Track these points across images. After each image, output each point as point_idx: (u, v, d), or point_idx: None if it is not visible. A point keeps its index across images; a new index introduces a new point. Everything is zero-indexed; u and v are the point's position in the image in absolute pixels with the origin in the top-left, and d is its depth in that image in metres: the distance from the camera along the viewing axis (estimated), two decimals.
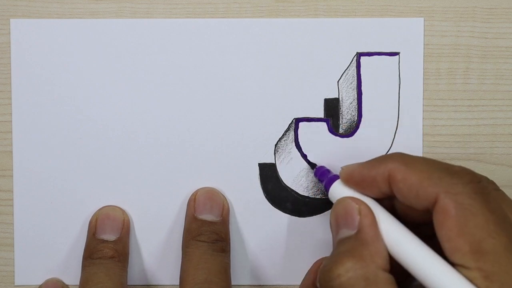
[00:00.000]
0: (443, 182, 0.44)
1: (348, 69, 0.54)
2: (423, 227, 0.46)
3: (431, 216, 0.44)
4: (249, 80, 0.54)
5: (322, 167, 0.52)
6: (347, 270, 0.44)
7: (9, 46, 0.54)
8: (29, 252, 0.55)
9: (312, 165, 0.54)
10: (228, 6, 0.54)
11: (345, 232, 0.47)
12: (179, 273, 0.52)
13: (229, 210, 0.54)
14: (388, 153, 0.54)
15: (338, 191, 0.49)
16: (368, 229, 0.46)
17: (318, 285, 0.46)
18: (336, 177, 0.50)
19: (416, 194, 0.45)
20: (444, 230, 0.43)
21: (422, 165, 0.46)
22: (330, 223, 0.48)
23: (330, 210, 0.54)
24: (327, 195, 0.50)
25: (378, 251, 0.45)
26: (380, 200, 0.48)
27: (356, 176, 0.48)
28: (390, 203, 0.48)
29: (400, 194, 0.46)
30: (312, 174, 0.54)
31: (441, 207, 0.44)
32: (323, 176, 0.52)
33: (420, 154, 0.54)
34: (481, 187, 0.44)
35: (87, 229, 0.54)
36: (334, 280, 0.44)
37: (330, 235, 0.54)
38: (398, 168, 0.46)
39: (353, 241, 0.46)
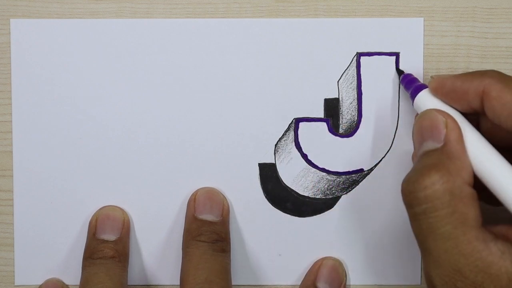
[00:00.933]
0: None
1: (348, 69, 0.54)
2: (507, 152, 0.46)
3: None
4: (249, 80, 0.54)
5: (409, 74, 0.52)
6: (434, 183, 0.44)
7: (9, 46, 0.54)
8: (29, 252, 0.55)
9: (399, 71, 0.53)
10: (228, 6, 0.54)
11: (430, 145, 0.46)
12: (179, 273, 0.52)
13: (229, 210, 0.54)
14: (388, 153, 0.54)
15: (425, 100, 0.49)
16: (454, 143, 0.46)
17: (402, 197, 0.45)
18: (423, 86, 0.49)
19: (509, 114, 0.45)
20: None
21: None
22: (413, 134, 0.48)
23: (329, 211, 0.55)
24: (411, 103, 0.50)
25: (464, 166, 0.45)
26: (465, 115, 0.47)
27: (448, 87, 0.48)
28: (475, 120, 0.48)
29: (492, 111, 0.45)
30: (312, 174, 0.54)
31: None
32: (410, 84, 0.51)
33: None
34: None
35: (87, 229, 0.54)
36: (419, 191, 0.44)
37: (330, 236, 0.54)
38: (494, 84, 0.46)
39: (439, 154, 0.46)
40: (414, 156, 0.49)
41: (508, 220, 0.45)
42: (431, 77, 0.49)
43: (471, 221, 0.44)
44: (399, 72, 0.53)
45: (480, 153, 0.46)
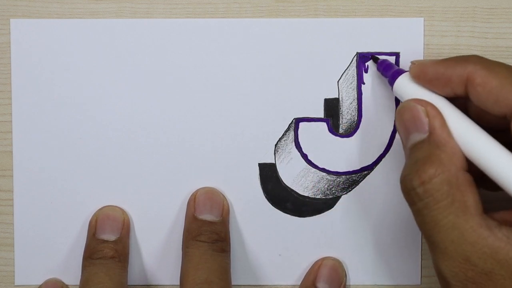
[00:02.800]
0: None
1: (348, 69, 0.54)
2: (496, 133, 0.46)
3: (508, 123, 0.44)
4: (249, 80, 0.54)
5: (385, 60, 0.52)
6: (430, 176, 0.44)
7: (9, 46, 0.54)
8: (29, 252, 0.55)
9: (374, 58, 0.53)
10: (228, 6, 0.54)
11: (416, 136, 0.46)
12: (179, 273, 0.52)
13: (229, 210, 0.54)
14: (388, 153, 0.54)
15: (405, 86, 0.49)
16: (439, 131, 0.46)
17: (403, 195, 0.46)
18: (401, 71, 0.49)
19: (495, 100, 0.44)
20: None
21: (504, 70, 0.45)
22: (397, 129, 0.48)
23: (329, 211, 0.55)
24: (391, 89, 0.50)
25: (454, 152, 0.45)
26: (451, 100, 0.47)
27: (430, 73, 0.47)
28: (463, 104, 0.48)
29: (477, 98, 0.45)
30: (312, 174, 0.54)
31: None
32: (387, 69, 0.51)
33: None
34: None
35: (87, 229, 0.54)
36: (418, 187, 0.44)
37: (330, 236, 0.54)
38: (478, 71, 0.45)
39: (427, 145, 0.46)
40: (404, 150, 0.49)
41: (509, 206, 0.45)
42: (411, 62, 0.49)
43: (471, 208, 0.44)
44: (375, 59, 0.53)
45: (469, 136, 0.45)
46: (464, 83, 0.46)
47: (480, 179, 0.46)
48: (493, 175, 0.44)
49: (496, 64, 0.46)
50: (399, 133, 0.48)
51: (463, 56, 0.47)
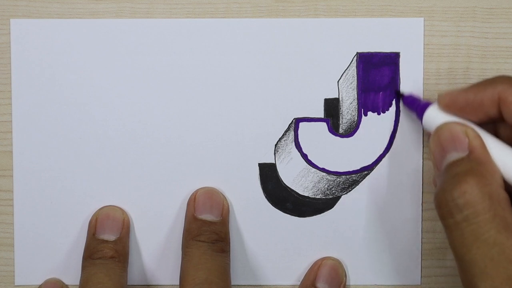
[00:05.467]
0: None
1: (348, 69, 0.54)
2: None
3: None
4: (249, 80, 0.54)
5: (410, 95, 0.52)
6: (472, 187, 0.43)
7: (9, 46, 0.54)
8: (29, 252, 0.55)
9: (398, 94, 0.53)
10: (228, 6, 0.54)
11: (455, 155, 0.46)
12: (179, 273, 0.52)
13: (229, 210, 0.54)
14: (388, 153, 0.54)
15: (434, 117, 0.49)
16: (480, 150, 0.45)
17: (438, 210, 0.44)
18: (428, 104, 0.49)
19: None
20: None
21: None
22: (432, 149, 0.47)
23: (329, 211, 0.55)
24: (420, 122, 0.50)
25: (495, 170, 0.45)
26: (482, 126, 0.47)
27: (461, 101, 0.47)
28: (493, 129, 0.48)
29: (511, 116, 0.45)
30: (312, 174, 0.54)
31: None
32: (413, 103, 0.51)
33: (420, 154, 0.54)
34: None
35: (87, 229, 0.54)
36: (458, 199, 0.43)
37: (330, 236, 0.54)
38: (509, 90, 0.45)
39: (467, 161, 0.45)
40: (435, 179, 0.48)
41: None
42: (438, 95, 0.49)
43: (511, 225, 0.43)
44: (398, 94, 0.53)
45: (506, 158, 0.45)
46: (496, 105, 0.46)
47: None
48: None
49: None
50: (432, 154, 0.47)
51: (489, 78, 0.47)
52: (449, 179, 0.44)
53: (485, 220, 0.43)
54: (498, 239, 0.42)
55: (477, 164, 0.45)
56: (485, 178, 0.44)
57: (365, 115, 0.54)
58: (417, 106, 0.51)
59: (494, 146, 0.46)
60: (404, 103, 0.53)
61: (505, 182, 0.45)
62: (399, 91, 0.53)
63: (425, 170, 0.54)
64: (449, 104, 0.48)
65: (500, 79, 0.47)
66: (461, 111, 0.48)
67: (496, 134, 0.48)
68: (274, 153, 0.54)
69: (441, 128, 0.47)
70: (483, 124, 0.48)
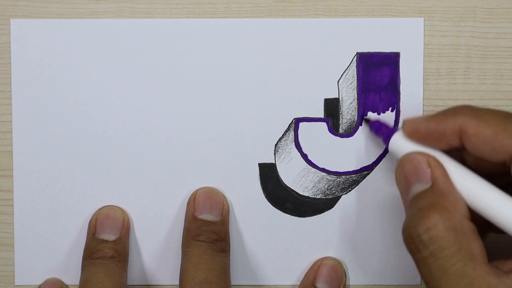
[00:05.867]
0: None
1: (348, 69, 0.54)
2: (495, 178, 0.46)
3: (507, 168, 0.44)
4: (249, 80, 0.54)
5: (377, 121, 0.52)
6: (435, 223, 0.44)
7: (9, 46, 0.54)
8: (29, 252, 0.55)
9: (365, 120, 0.53)
10: (228, 6, 0.54)
11: (419, 187, 0.46)
12: (179, 273, 0.52)
13: (229, 210, 0.54)
14: (388, 153, 0.54)
15: (400, 144, 0.49)
16: (442, 180, 0.46)
17: (406, 244, 0.45)
18: (394, 130, 0.50)
19: (491, 148, 0.45)
20: None
21: (495, 117, 0.45)
22: (397, 181, 0.48)
23: (329, 211, 0.55)
24: (386, 148, 0.50)
25: (458, 200, 0.45)
26: (447, 152, 0.47)
27: (423, 131, 0.47)
28: (459, 154, 0.48)
29: (473, 147, 0.45)
30: (312, 174, 0.54)
31: None
32: (379, 129, 0.51)
33: None
34: None
35: (87, 229, 0.54)
36: (423, 234, 0.44)
37: (330, 236, 0.54)
38: (470, 122, 0.45)
39: (430, 194, 0.45)
40: (404, 202, 0.49)
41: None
42: (403, 121, 0.49)
43: (478, 256, 0.43)
44: (366, 120, 0.53)
45: (470, 186, 0.46)
46: (458, 135, 0.46)
47: (484, 225, 0.46)
48: (498, 222, 0.45)
49: (486, 112, 0.46)
50: (399, 186, 0.48)
51: (452, 108, 0.47)
52: (414, 214, 0.45)
53: (451, 254, 0.43)
54: (465, 271, 0.43)
55: (440, 196, 0.45)
56: (448, 211, 0.44)
57: (365, 115, 0.54)
58: (383, 133, 0.51)
59: (458, 175, 0.46)
60: (371, 128, 0.53)
61: (471, 210, 0.45)
62: (366, 117, 0.53)
63: None
64: (413, 132, 0.48)
65: (462, 109, 0.46)
66: (425, 140, 0.48)
67: (462, 160, 0.48)
68: (274, 153, 0.54)
69: (404, 159, 0.48)
70: (449, 152, 0.48)
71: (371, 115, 0.54)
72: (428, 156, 0.47)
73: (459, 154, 0.48)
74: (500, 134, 0.44)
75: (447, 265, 0.43)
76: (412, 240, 0.44)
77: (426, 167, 0.46)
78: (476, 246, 0.44)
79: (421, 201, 0.45)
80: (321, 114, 0.54)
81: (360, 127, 0.54)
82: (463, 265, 0.43)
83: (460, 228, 0.44)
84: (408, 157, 0.48)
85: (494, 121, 0.45)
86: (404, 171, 0.47)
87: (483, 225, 0.46)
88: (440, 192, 0.45)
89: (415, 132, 0.48)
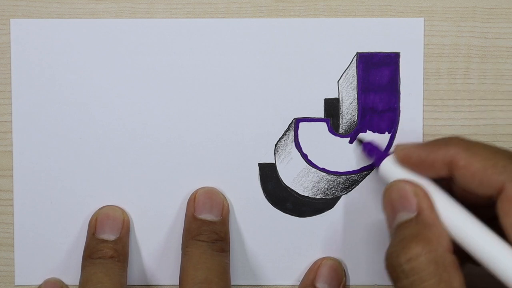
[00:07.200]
0: (508, 170, 0.44)
1: (348, 69, 0.54)
2: (482, 208, 0.46)
3: (493, 202, 0.44)
4: (249, 80, 0.54)
5: (369, 143, 0.52)
6: (418, 255, 0.44)
7: (9, 46, 0.54)
8: (29, 252, 0.55)
9: (358, 140, 0.54)
10: (228, 6, 0.54)
11: (404, 216, 0.46)
12: (179, 273, 0.52)
13: (229, 210, 0.54)
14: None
15: (390, 169, 0.49)
16: (428, 211, 0.46)
17: (387, 272, 0.45)
18: (385, 155, 0.50)
19: (480, 182, 0.45)
20: (511, 219, 0.43)
21: (485, 151, 0.45)
22: (384, 207, 0.48)
23: (329, 211, 0.55)
24: (376, 170, 0.50)
25: (441, 233, 0.45)
26: (435, 180, 0.48)
27: (414, 158, 0.48)
28: (447, 183, 0.48)
29: (462, 180, 0.46)
30: (312, 174, 0.54)
31: (507, 196, 0.43)
32: (372, 152, 0.51)
33: None
34: None
35: (87, 229, 0.54)
36: (404, 265, 0.44)
37: (330, 235, 0.54)
38: (460, 154, 0.46)
39: (414, 224, 0.46)
40: (388, 228, 0.49)
41: (493, 281, 0.45)
42: (395, 146, 0.49)
43: None
44: (358, 141, 0.53)
45: (455, 219, 0.46)
46: (447, 166, 0.46)
47: (465, 256, 0.46)
48: (477, 257, 0.45)
49: (477, 145, 0.46)
50: (385, 212, 0.48)
51: (444, 138, 0.48)
52: (398, 243, 0.45)
53: (430, 286, 0.43)
54: None
55: (424, 227, 0.45)
56: (431, 244, 0.44)
57: (365, 115, 0.54)
58: (375, 155, 0.51)
59: (443, 206, 0.46)
60: (363, 149, 0.53)
61: (454, 243, 0.46)
62: (359, 137, 0.53)
63: None
64: (404, 159, 0.48)
65: (454, 141, 0.47)
66: (415, 167, 0.48)
67: (449, 188, 0.48)
68: (274, 153, 0.54)
69: (391, 186, 0.48)
70: (437, 181, 0.48)
71: (365, 136, 0.54)
72: (415, 186, 0.47)
73: (447, 182, 0.48)
74: (489, 169, 0.45)
75: None
76: (394, 269, 0.45)
77: (413, 196, 0.47)
78: (456, 280, 0.44)
79: (405, 230, 0.46)
80: (321, 114, 0.54)
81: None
82: None
83: (441, 261, 0.44)
84: (395, 185, 0.48)
85: (485, 156, 0.45)
86: (391, 198, 0.48)
87: (464, 255, 0.46)
88: (424, 223, 0.46)
89: (406, 158, 0.48)
